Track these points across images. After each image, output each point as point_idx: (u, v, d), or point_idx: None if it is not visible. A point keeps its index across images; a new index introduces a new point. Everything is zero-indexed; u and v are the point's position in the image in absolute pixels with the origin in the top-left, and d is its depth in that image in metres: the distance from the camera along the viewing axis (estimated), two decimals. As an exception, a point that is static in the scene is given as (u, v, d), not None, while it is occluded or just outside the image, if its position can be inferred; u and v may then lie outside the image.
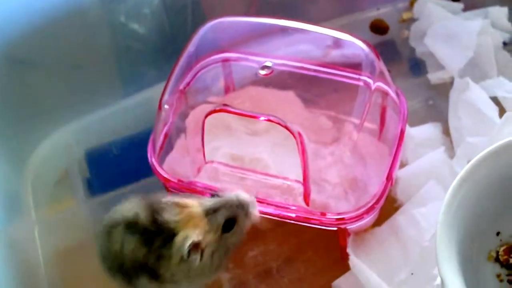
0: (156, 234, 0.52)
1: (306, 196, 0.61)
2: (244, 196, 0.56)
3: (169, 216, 0.52)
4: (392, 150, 0.64)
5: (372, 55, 0.64)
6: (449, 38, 0.77)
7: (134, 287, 0.55)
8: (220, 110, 0.61)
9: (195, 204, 0.54)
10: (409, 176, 0.67)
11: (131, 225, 0.53)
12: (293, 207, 0.60)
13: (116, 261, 0.54)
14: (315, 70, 0.67)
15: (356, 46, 0.65)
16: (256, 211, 0.56)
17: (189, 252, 0.52)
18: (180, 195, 0.56)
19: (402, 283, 0.61)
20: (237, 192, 0.56)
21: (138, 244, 0.52)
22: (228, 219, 0.54)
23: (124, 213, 0.54)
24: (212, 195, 0.56)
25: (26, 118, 0.77)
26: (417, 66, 0.79)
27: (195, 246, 0.52)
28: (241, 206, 0.55)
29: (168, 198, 0.54)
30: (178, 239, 0.52)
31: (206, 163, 0.65)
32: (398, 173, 0.67)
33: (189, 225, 0.52)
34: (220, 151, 0.65)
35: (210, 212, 0.54)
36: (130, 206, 0.54)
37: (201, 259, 0.53)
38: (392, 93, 0.66)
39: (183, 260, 0.52)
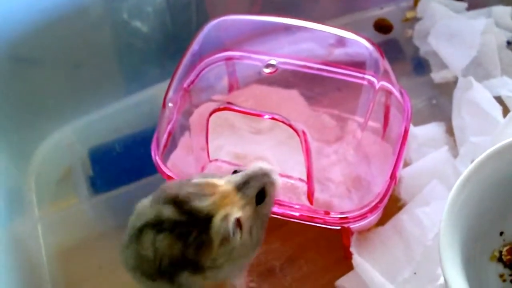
0: (189, 224, 0.51)
1: (310, 195, 0.61)
2: (266, 165, 0.55)
3: (200, 201, 0.51)
4: (396, 149, 0.63)
5: (376, 54, 0.64)
6: (452, 37, 0.77)
7: (177, 286, 0.54)
8: (224, 109, 0.61)
9: (224, 182, 0.53)
10: (412, 175, 0.67)
11: (157, 224, 0.52)
12: (297, 206, 0.60)
13: (152, 265, 0.53)
14: (318, 69, 0.66)
15: (360, 44, 0.65)
16: (278, 178, 0.55)
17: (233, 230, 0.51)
18: (201, 175, 0.55)
19: (405, 283, 0.61)
20: (257, 164, 0.55)
21: (171, 240, 0.51)
22: (259, 190, 0.54)
23: (145, 215, 0.53)
24: (235, 172, 0.55)
25: (29, 116, 0.77)
26: (421, 65, 0.79)
27: (237, 223, 0.52)
28: (267, 176, 0.54)
29: (195, 181, 0.53)
30: (217, 220, 0.51)
31: (210, 161, 0.64)
32: (402, 172, 0.66)
33: (224, 203, 0.51)
34: (224, 149, 0.65)
35: (241, 187, 0.53)
36: (146, 206, 0.53)
37: (241, 236, 0.52)
38: (396, 92, 0.66)
39: (225, 241, 0.51)
